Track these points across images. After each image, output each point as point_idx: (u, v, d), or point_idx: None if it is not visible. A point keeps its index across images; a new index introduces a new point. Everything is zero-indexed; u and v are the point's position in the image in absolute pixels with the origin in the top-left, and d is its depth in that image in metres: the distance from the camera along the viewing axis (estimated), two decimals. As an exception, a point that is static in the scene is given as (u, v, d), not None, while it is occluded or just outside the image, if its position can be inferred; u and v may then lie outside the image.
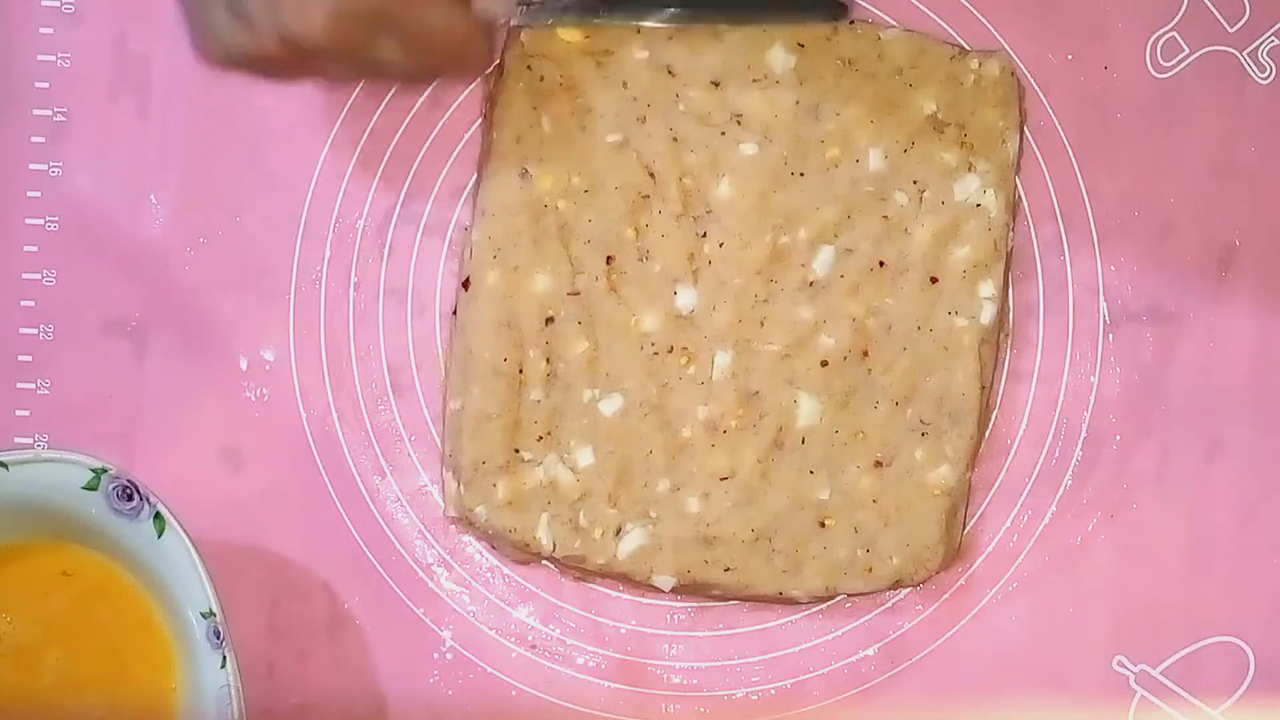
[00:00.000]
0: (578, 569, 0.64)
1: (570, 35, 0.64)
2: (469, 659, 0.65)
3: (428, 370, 0.66)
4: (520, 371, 0.63)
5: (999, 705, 0.65)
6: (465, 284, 0.64)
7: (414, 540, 0.65)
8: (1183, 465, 0.66)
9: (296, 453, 0.65)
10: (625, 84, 0.64)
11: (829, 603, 0.65)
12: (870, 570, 0.64)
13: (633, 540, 0.63)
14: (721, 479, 0.63)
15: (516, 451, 0.63)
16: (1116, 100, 0.67)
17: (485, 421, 0.63)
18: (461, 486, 0.63)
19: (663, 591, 0.64)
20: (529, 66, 0.64)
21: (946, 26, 0.66)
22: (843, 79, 0.64)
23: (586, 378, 0.63)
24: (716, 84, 0.64)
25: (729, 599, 0.65)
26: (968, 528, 0.65)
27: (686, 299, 0.64)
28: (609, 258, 0.64)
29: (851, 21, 0.65)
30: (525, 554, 0.64)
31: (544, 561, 0.65)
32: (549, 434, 0.63)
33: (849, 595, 0.65)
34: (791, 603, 0.65)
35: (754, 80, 0.64)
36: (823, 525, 0.64)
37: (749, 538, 0.63)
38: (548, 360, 0.63)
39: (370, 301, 0.66)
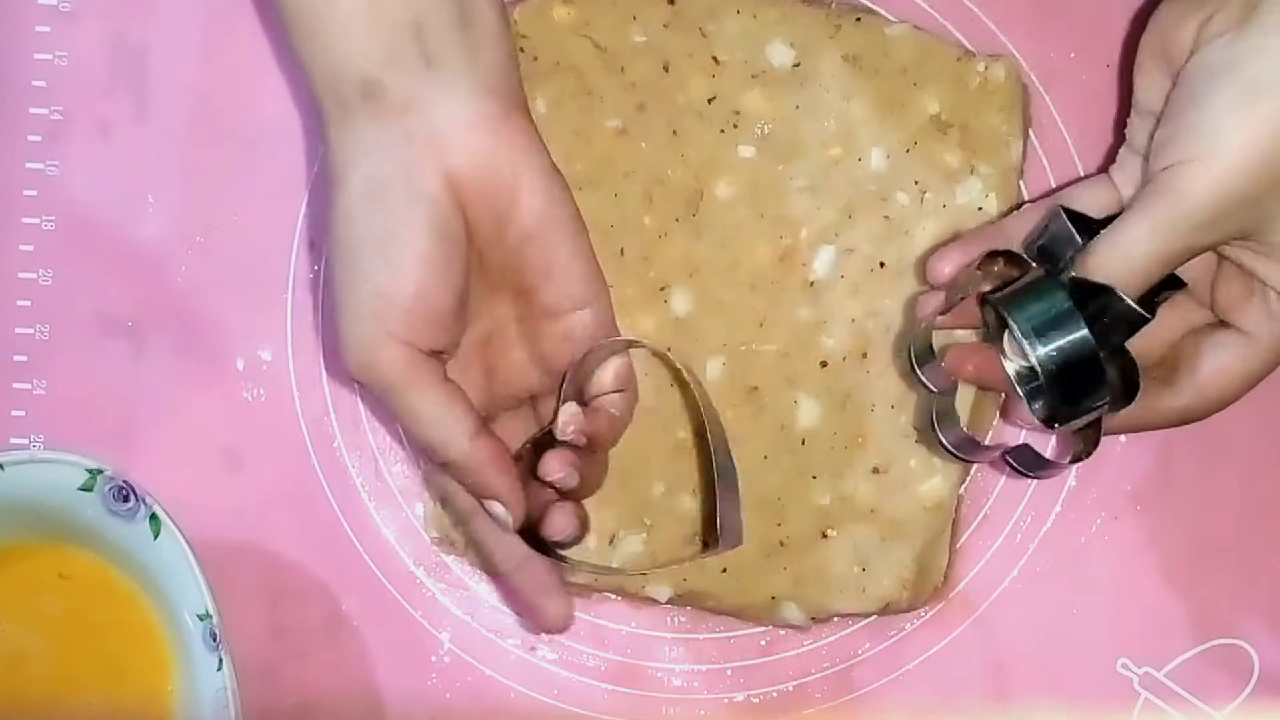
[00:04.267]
0: (570, 585, 0.63)
1: (563, 14, 0.63)
2: (467, 661, 0.64)
3: (426, 370, 0.65)
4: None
5: (1002, 708, 0.65)
6: None
7: (412, 541, 0.65)
8: (1186, 466, 0.66)
9: (293, 453, 0.65)
10: (623, 69, 0.63)
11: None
12: (864, 590, 0.63)
13: (628, 548, 0.63)
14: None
15: None
16: (1119, 99, 0.66)
17: None
18: (438, 503, 0.63)
19: (659, 603, 0.63)
20: (521, 47, 0.63)
21: (948, 25, 0.66)
22: (846, 76, 0.64)
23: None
24: (715, 77, 0.64)
25: (724, 614, 0.64)
26: (971, 529, 0.65)
27: (685, 299, 0.63)
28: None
29: (856, 19, 0.65)
30: None
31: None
32: None
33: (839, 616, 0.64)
34: (787, 625, 0.64)
35: (753, 76, 0.64)
36: (824, 536, 0.63)
37: (747, 541, 0.62)
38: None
39: (368, 301, 0.65)
